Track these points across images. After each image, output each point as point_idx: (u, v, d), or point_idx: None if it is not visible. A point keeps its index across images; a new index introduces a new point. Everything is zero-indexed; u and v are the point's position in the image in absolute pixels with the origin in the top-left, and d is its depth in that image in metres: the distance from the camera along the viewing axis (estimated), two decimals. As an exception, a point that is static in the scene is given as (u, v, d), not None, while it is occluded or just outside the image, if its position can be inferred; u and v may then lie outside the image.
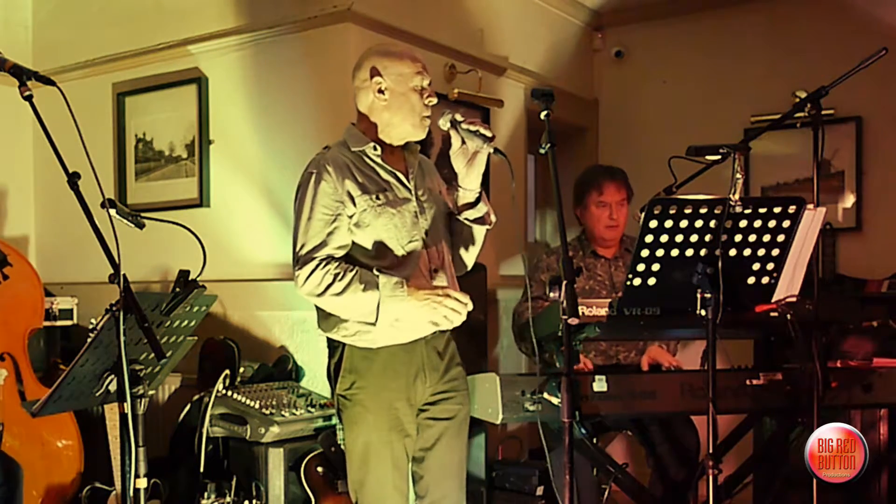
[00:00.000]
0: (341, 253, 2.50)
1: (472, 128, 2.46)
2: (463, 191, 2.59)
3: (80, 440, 3.66)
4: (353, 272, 2.43)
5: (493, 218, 2.65)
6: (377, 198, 2.50)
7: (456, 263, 2.69)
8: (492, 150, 2.47)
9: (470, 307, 2.49)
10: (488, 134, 2.46)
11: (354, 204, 2.49)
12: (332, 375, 2.58)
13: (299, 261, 2.48)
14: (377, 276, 2.43)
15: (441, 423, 2.60)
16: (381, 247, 2.50)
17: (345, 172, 2.51)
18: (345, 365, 2.54)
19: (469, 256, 2.71)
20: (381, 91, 2.54)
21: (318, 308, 2.56)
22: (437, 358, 2.60)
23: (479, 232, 2.66)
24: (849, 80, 2.63)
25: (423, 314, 2.45)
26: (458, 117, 2.49)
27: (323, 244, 2.47)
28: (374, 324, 2.45)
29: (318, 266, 2.44)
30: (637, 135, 5.34)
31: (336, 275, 2.43)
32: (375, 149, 2.56)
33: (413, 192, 2.58)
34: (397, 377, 2.51)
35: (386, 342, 2.50)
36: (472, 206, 2.61)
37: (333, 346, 2.58)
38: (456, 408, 2.62)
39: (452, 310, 2.45)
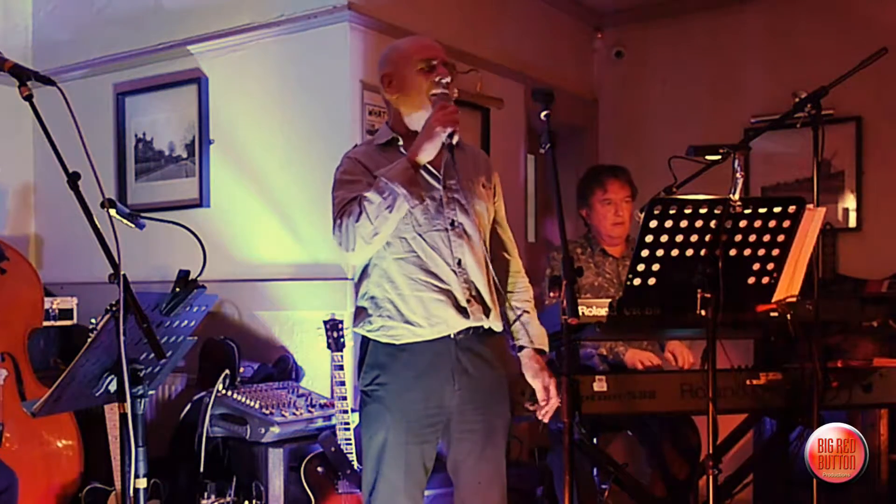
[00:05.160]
0: None
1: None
2: None
3: (80, 440, 3.65)
4: (356, 196, 2.29)
5: None
6: None
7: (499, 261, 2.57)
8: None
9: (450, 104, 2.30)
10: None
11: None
12: (357, 371, 2.48)
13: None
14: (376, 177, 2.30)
15: (474, 433, 2.46)
16: (400, 235, 2.37)
17: (366, 164, 2.42)
18: (368, 360, 2.44)
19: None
20: (389, 83, 2.45)
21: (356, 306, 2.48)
22: (472, 360, 2.44)
23: None
24: (848, 80, 2.63)
25: (433, 141, 2.25)
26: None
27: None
28: (391, 206, 2.24)
29: (335, 227, 2.33)
30: (637, 135, 5.34)
31: (345, 213, 2.29)
32: (398, 141, 2.45)
33: (441, 182, 2.43)
34: (422, 378, 2.38)
35: (410, 339, 2.38)
36: None
37: (363, 341, 2.48)
38: (490, 417, 2.48)
39: (443, 116, 2.25)
